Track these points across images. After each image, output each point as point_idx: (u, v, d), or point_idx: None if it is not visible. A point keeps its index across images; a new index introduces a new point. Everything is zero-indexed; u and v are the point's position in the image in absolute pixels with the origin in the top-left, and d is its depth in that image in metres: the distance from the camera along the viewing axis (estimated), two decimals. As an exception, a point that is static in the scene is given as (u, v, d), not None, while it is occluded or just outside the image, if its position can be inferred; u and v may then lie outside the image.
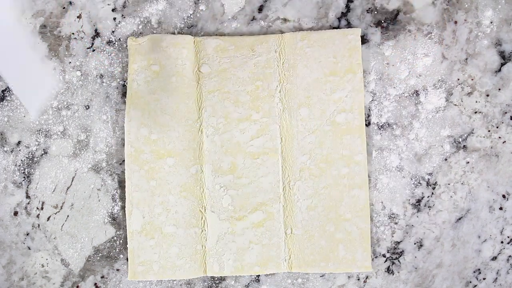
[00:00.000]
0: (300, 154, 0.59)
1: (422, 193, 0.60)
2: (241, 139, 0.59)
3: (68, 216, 0.60)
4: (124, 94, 0.60)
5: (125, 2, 0.60)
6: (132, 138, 0.58)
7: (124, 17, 0.60)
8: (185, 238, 0.58)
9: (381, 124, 0.60)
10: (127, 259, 0.60)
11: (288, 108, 0.59)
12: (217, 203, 0.59)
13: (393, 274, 0.60)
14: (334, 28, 0.60)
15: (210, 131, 0.59)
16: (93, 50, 0.60)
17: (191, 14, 0.60)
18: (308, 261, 0.58)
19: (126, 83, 0.59)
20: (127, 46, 0.59)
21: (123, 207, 0.60)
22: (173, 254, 0.58)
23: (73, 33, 0.60)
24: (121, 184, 0.60)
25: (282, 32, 0.60)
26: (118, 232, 0.60)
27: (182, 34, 0.60)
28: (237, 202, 0.58)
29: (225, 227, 0.58)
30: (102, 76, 0.60)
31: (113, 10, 0.60)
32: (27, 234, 0.60)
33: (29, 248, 0.60)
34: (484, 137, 0.60)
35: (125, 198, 0.59)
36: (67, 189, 0.60)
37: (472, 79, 0.60)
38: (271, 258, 0.59)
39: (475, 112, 0.60)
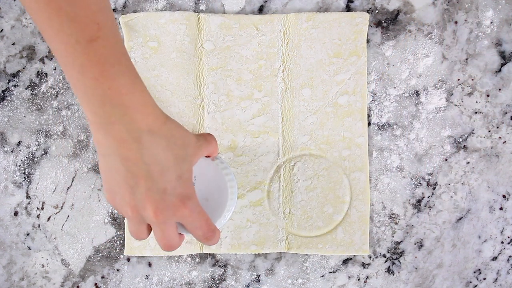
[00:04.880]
0: (301, 135, 0.59)
1: (423, 193, 0.60)
2: (242, 117, 0.59)
3: (68, 216, 0.60)
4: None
5: (125, 2, 0.60)
6: None
7: (125, 17, 0.60)
8: None
9: (381, 124, 0.60)
10: (128, 259, 0.60)
11: (291, 88, 0.59)
12: None
13: (393, 274, 0.60)
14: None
15: (212, 108, 0.59)
16: (93, 50, 0.60)
17: (191, 14, 0.60)
18: (306, 242, 0.59)
19: None
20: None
21: (123, 207, 0.60)
22: None
23: (73, 33, 0.60)
24: (122, 184, 0.60)
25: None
26: (118, 232, 0.60)
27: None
28: (236, 180, 0.58)
29: None
30: (102, 76, 0.60)
31: (113, 10, 0.60)
32: (28, 234, 0.60)
33: (29, 248, 0.60)
34: (484, 137, 0.60)
35: (125, 198, 0.59)
36: (67, 189, 0.60)
37: (472, 79, 0.60)
38: (268, 238, 0.59)
39: (476, 112, 0.60)
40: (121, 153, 0.40)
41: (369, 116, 0.60)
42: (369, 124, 0.60)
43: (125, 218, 0.59)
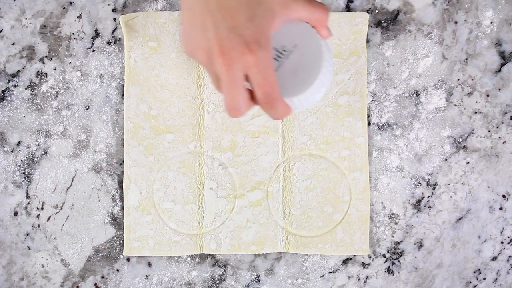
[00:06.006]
0: (301, 134, 0.59)
1: (422, 193, 0.60)
2: (241, 117, 0.59)
3: (68, 216, 0.60)
4: (124, 95, 0.60)
5: (125, 2, 0.60)
6: (131, 114, 0.58)
7: (124, 17, 0.60)
8: (183, 214, 0.59)
9: (381, 124, 0.60)
10: (128, 259, 0.60)
11: None
12: (215, 180, 0.59)
13: (393, 274, 0.60)
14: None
15: (211, 108, 0.59)
16: (93, 50, 0.60)
17: (191, 14, 0.60)
18: (306, 242, 0.59)
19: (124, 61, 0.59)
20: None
21: (123, 207, 0.60)
22: (170, 230, 0.58)
23: (73, 33, 0.60)
24: (121, 184, 0.60)
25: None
26: (118, 232, 0.60)
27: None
28: (235, 180, 0.59)
29: (222, 205, 0.59)
30: (102, 76, 0.60)
31: (113, 10, 0.60)
32: (27, 234, 0.60)
33: (29, 248, 0.60)
34: (484, 137, 0.60)
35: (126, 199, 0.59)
36: (67, 189, 0.60)
37: (472, 79, 0.60)
38: (268, 238, 0.59)
39: (475, 112, 0.60)
40: None
41: (369, 116, 0.60)
42: (369, 124, 0.60)
43: (124, 218, 0.59)
